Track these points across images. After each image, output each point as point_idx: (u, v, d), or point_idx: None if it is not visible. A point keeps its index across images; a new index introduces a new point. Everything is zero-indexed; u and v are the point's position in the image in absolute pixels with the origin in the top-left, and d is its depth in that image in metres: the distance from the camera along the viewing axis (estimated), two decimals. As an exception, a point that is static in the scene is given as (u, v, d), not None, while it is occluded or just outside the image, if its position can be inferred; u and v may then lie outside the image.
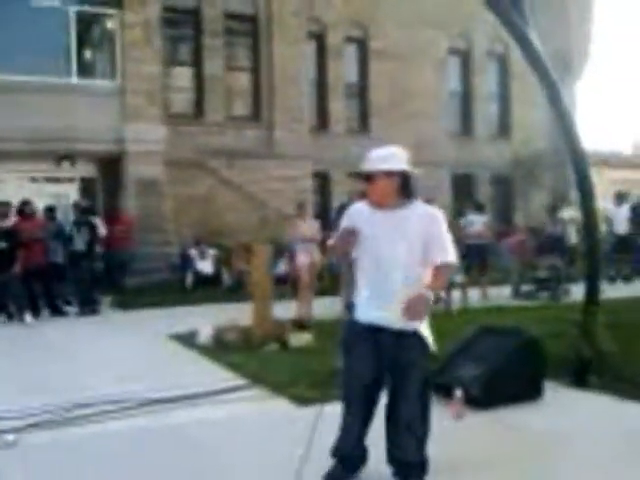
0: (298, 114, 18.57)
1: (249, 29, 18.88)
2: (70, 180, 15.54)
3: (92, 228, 11.98)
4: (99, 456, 4.57)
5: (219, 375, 6.74)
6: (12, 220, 11.56)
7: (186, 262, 14.46)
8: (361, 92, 20.81)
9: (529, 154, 20.85)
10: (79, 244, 11.70)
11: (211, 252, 14.60)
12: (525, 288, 12.68)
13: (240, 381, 6.43)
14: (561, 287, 12.19)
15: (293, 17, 18.66)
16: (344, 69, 20.36)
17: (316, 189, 19.12)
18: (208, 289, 13.60)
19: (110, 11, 15.41)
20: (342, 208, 11.68)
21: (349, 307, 3.98)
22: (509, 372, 5.50)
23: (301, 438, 3.88)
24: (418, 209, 3.75)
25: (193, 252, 14.49)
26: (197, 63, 18.15)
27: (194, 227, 15.21)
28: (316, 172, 18.75)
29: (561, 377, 6.00)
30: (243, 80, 19.00)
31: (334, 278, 12.08)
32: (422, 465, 3.86)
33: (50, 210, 12.36)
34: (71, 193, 15.20)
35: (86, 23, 15.57)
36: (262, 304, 8.49)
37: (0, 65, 13.66)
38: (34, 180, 15.19)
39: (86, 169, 15.84)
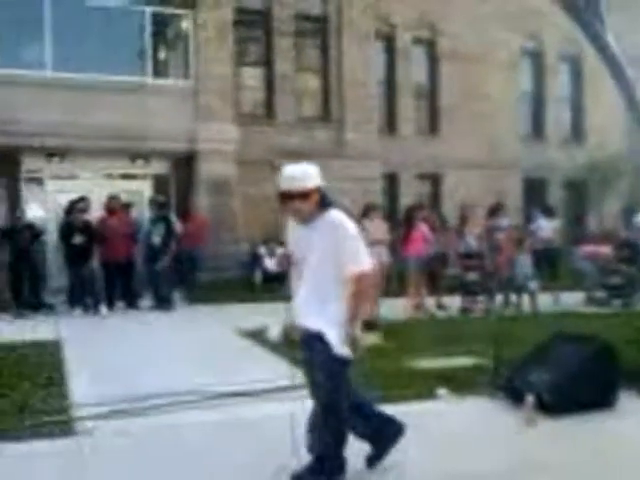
0: (367, 115, 18.58)
1: (319, 30, 18.96)
2: (144, 177, 15.92)
3: (169, 224, 12.23)
4: (169, 446, 4.69)
5: (287, 372, 6.81)
6: (95, 215, 12.01)
7: (255, 260, 14.66)
8: (430, 93, 20.67)
9: (604, 158, 20.35)
10: (156, 239, 11.99)
11: (279, 250, 14.73)
12: (598, 294, 12.42)
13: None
14: (635, 294, 11.89)
15: (362, 18, 18.67)
16: (413, 70, 20.24)
17: (384, 190, 19.11)
18: (276, 287, 13.73)
19: (184, 12, 15.72)
20: (411, 210, 11.74)
21: None
22: (583, 379, 5.42)
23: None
24: (326, 219, 3.82)
25: (262, 250, 14.68)
26: (268, 63, 18.33)
27: (263, 226, 15.38)
28: (385, 173, 18.74)
29: (636, 385, 5.88)
30: (313, 81, 19.10)
31: (401, 279, 12.10)
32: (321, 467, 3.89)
33: (126, 206, 12.69)
34: (145, 190, 15.57)
35: (161, 24, 15.92)
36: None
37: (79, 65, 14.13)
38: (110, 177, 15.61)
39: (160, 167, 16.18)
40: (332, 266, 3.75)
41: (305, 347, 3.93)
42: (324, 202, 3.82)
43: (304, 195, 3.77)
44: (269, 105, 18.26)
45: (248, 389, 5.97)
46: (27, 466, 4.30)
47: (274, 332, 8.48)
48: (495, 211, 12.25)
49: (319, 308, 3.78)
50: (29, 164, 15.12)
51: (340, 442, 3.89)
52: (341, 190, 17.16)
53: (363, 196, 15.70)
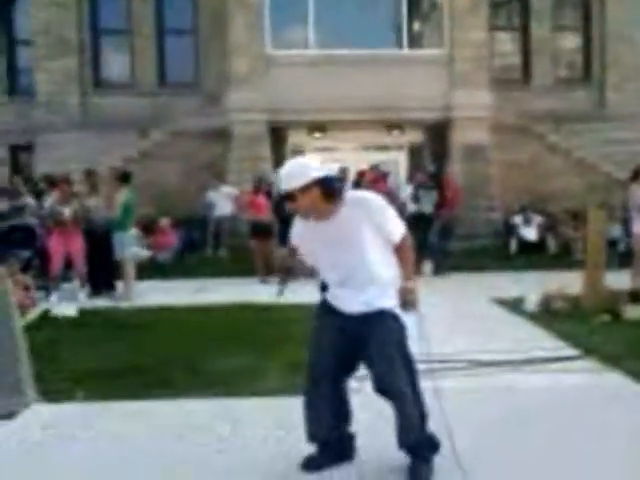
0: (632, 73, 17.34)
1: (580, -13, 18.05)
2: (400, 147, 16.29)
3: (440, 192, 12.41)
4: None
5: (547, 343, 6.71)
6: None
7: (510, 228, 14.44)
8: None
9: None
10: (428, 207, 12.25)
11: (536, 218, 14.41)
12: None
13: (571, 350, 6.35)
14: None
15: (631, -32, 17.40)
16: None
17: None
18: (532, 256, 13.46)
19: (438, -19, 15.72)
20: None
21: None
22: None
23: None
24: (348, 204, 3.50)
25: (517, 218, 14.41)
26: (523, 27, 17.82)
27: (518, 193, 15.06)
28: (654, 133, 17.42)
29: None
30: (572, 40, 18.23)
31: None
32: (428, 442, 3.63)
33: (385, 176, 13.12)
34: (400, 160, 15.94)
35: (416, -5, 16.09)
36: (594, 273, 8.23)
37: (339, 41, 14.76)
38: (366, 148, 16.18)
39: (414, 136, 16.45)
40: (367, 251, 3.53)
41: (359, 330, 3.58)
42: (332, 192, 3.48)
43: (288, 197, 3.48)
44: (524, 68, 17.78)
45: (505, 358, 5.97)
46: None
47: (532, 301, 8.37)
48: None
49: (367, 290, 3.56)
50: (294, 139, 16.19)
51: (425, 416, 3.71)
52: (604, 154, 16.28)
53: (629, 159, 14.73)
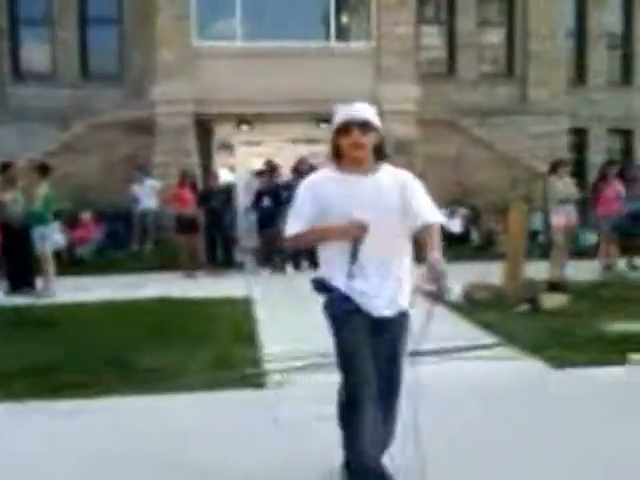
0: (554, 68, 17.80)
1: (503, -17, 18.42)
2: (327, 141, 16.26)
3: None
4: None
5: (470, 332, 6.83)
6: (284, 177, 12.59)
7: (435, 221, 14.66)
8: (624, 42, 19.38)
9: None
10: None
11: (460, 211, 14.66)
12: None
13: (492, 339, 6.47)
14: None
15: (551, -34, 17.84)
16: (606, 18, 19.07)
17: (572, 146, 18.27)
18: (456, 248, 13.67)
19: (366, -25, 15.76)
20: (606, 167, 11.16)
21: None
22: None
23: (563, 399, 3.88)
24: (390, 174, 3.23)
25: (443, 211, 14.63)
26: (449, 21, 18.07)
27: (444, 186, 15.24)
28: (572, 128, 17.91)
29: None
30: (496, 36, 18.58)
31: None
32: None
33: (313, 169, 13.09)
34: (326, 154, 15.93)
35: (343, -12, 16.11)
36: (514, 264, 8.42)
37: (266, 33, 14.66)
38: (295, 141, 16.11)
39: (343, 130, 16.46)
40: (398, 229, 3.19)
41: (377, 332, 3.24)
42: (383, 147, 3.26)
43: (362, 126, 3.13)
44: (450, 63, 18.05)
45: (428, 348, 5.99)
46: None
47: (455, 292, 8.48)
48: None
49: (391, 280, 3.22)
50: (221, 132, 16.01)
51: None
52: (525, 147, 16.67)
53: (549, 153, 15.14)
